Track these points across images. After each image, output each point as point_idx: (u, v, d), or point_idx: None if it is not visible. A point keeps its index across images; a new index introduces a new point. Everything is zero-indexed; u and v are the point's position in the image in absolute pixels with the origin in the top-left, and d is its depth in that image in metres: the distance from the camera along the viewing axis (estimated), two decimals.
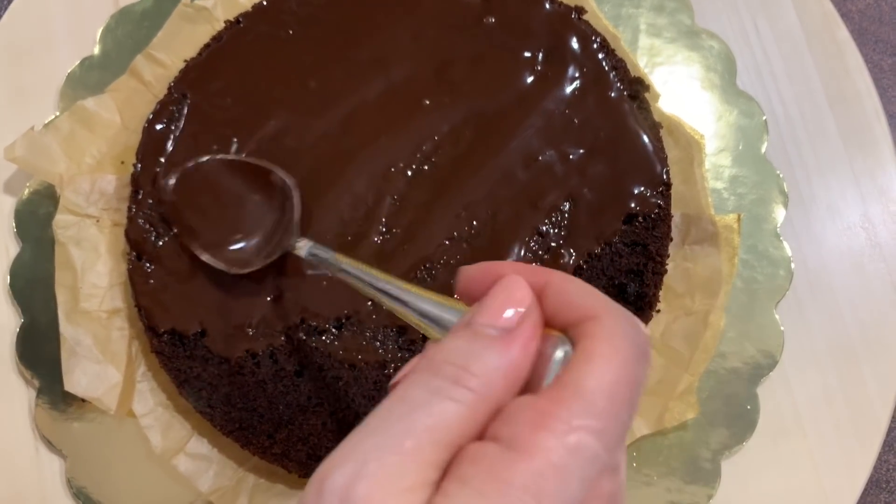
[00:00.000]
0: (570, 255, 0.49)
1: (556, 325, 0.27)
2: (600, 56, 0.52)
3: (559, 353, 0.26)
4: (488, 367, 0.24)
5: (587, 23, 0.53)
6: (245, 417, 0.48)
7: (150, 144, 0.52)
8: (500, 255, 0.49)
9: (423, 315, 0.31)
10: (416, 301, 0.31)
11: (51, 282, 0.52)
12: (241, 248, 0.48)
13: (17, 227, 0.55)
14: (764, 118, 0.55)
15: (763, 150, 0.54)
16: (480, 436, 0.24)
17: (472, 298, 0.28)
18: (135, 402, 0.51)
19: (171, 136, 0.52)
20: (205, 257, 0.49)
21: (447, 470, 0.23)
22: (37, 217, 0.55)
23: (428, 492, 0.23)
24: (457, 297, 0.30)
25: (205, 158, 0.50)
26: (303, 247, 0.45)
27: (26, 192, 0.55)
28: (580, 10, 0.53)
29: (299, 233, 0.47)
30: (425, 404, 0.24)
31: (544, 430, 0.23)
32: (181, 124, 0.52)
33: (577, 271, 0.49)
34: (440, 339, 0.28)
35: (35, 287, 0.53)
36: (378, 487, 0.22)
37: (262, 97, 0.52)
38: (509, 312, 0.26)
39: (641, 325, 0.26)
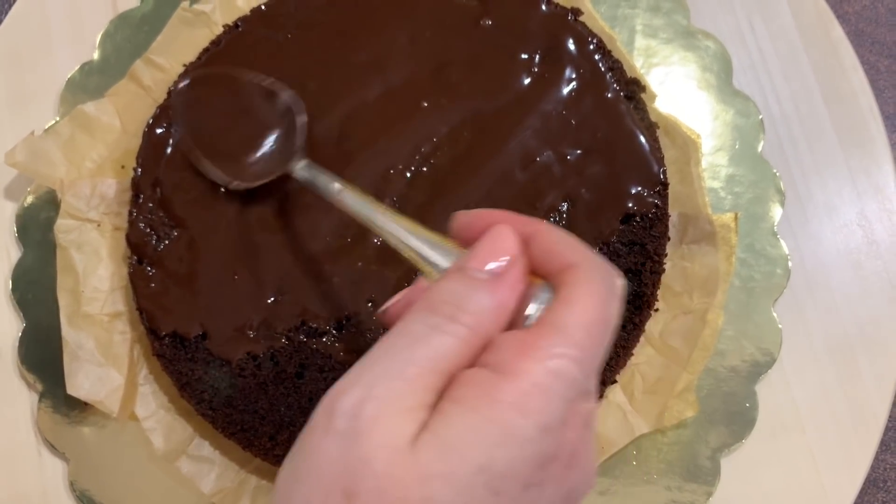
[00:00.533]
0: None
1: (541, 272, 0.29)
2: (597, 57, 0.52)
3: (542, 296, 0.28)
4: (479, 306, 0.27)
5: (583, 24, 0.53)
6: (247, 419, 0.48)
7: (150, 149, 0.52)
8: None
9: (418, 250, 0.33)
10: (412, 237, 0.33)
11: (52, 286, 0.52)
12: (241, 160, 0.49)
13: (18, 232, 0.55)
14: (760, 117, 0.55)
15: (759, 149, 0.55)
16: (472, 364, 0.27)
17: (466, 241, 0.31)
18: (137, 405, 0.51)
19: (172, 141, 0.52)
20: (204, 164, 0.50)
21: (443, 393, 0.27)
22: (38, 222, 0.55)
23: (427, 412, 0.26)
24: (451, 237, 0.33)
25: (219, 70, 0.52)
26: (301, 167, 0.46)
27: (27, 197, 0.55)
28: (576, 12, 0.53)
29: (302, 156, 0.47)
30: (425, 337, 0.27)
31: (528, 357, 0.26)
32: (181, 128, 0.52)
33: None
34: (432, 274, 0.32)
35: (37, 291, 0.54)
36: (384, 408, 0.26)
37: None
38: (497, 259, 0.29)
39: (617, 271, 0.30)
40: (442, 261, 0.32)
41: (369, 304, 0.49)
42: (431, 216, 0.50)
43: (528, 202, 0.50)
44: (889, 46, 0.58)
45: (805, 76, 0.56)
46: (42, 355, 0.53)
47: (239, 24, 0.55)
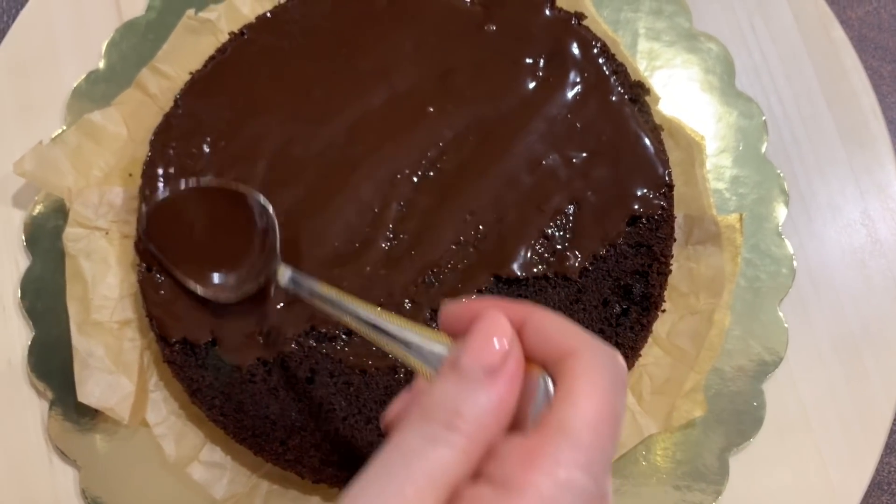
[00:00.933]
0: (576, 258, 0.50)
1: (537, 360, 0.28)
2: (600, 61, 0.52)
3: (542, 388, 0.27)
4: (477, 409, 0.25)
5: (587, 28, 0.53)
6: (258, 425, 0.49)
7: (157, 157, 0.52)
8: (507, 258, 0.49)
9: (408, 346, 0.31)
10: (401, 333, 0.32)
11: (62, 294, 0.52)
12: (224, 279, 0.49)
13: (26, 241, 0.55)
14: (763, 118, 0.55)
15: (763, 150, 0.55)
16: (476, 473, 0.25)
17: (456, 333, 0.29)
18: (148, 412, 0.51)
19: (176, 149, 0.53)
20: (190, 286, 0.49)
21: None
22: (46, 230, 0.55)
23: None
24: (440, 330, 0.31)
25: (181, 186, 0.51)
26: (284, 275, 0.45)
27: (35, 206, 0.56)
28: (580, 16, 0.54)
29: (280, 259, 0.47)
30: (421, 451, 0.25)
31: (534, 469, 0.24)
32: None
33: (582, 273, 0.49)
34: (426, 373, 0.30)
35: (46, 300, 0.54)
36: None
37: (267, 108, 0.53)
38: (492, 351, 0.27)
39: (618, 355, 0.28)
40: (435, 357, 0.30)
41: (378, 309, 0.49)
42: (439, 220, 0.50)
43: (534, 205, 0.50)
44: (892, 52, 0.59)
45: (807, 77, 0.57)
46: (52, 364, 0.53)
47: (244, 31, 0.55)
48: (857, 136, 0.56)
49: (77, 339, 0.51)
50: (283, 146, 0.52)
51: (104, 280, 0.53)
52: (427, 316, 0.49)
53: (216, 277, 0.49)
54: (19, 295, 0.54)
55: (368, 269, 0.50)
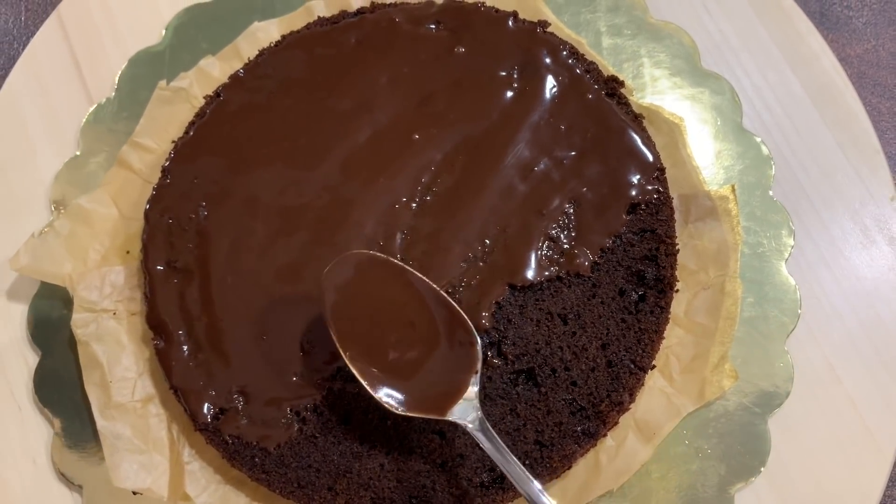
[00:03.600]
0: (585, 254, 0.50)
1: None
2: (571, 62, 0.54)
3: None
4: None
5: (552, 34, 0.55)
6: (302, 475, 0.48)
7: (154, 230, 0.52)
8: (518, 266, 0.50)
9: None
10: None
11: (77, 382, 0.51)
12: (408, 383, 0.46)
13: (32, 336, 0.54)
14: (734, 92, 0.57)
15: (741, 121, 0.57)
16: None
17: None
18: (186, 485, 0.50)
19: (174, 217, 0.53)
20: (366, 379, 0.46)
21: None
22: (51, 321, 0.54)
23: None
24: None
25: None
26: (475, 425, 0.45)
27: (36, 299, 0.55)
28: (544, 24, 0.55)
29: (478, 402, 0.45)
30: None
31: None
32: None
33: (594, 268, 0.50)
34: None
35: (63, 391, 0.53)
36: None
37: (256, 162, 0.53)
38: None
39: None
40: None
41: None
42: (444, 242, 0.51)
43: (534, 210, 0.51)
44: (890, 89, 0.62)
45: (765, 45, 0.59)
46: (77, 457, 0.52)
47: (219, 92, 0.56)
48: (824, 94, 0.58)
49: (102, 425, 0.50)
50: (279, 196, 0.52)
51: (120, 361, 0.52)
52: None
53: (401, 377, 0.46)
54: (33, 390, 0.53)
55: None
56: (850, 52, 0.62)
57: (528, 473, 0.43)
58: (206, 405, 0.49)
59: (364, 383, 0.45)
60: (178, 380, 0.50)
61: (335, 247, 0.51)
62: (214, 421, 0.49)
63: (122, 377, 0.52)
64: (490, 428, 0.44)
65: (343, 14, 0.58)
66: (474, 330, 0.46)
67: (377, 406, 0.48)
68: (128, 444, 0.50)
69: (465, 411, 0.44)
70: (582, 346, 0.49)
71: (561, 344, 0.49)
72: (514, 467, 0.43)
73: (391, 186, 0.52)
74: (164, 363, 0.50)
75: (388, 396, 0.45)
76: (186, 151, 0.54)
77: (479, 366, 0.45)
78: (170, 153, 0.54)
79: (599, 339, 0.49)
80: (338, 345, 0.45)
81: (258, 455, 0.48)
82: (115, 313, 0.53)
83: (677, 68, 0.58)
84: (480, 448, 0.46)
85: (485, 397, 0.48)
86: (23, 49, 0.61)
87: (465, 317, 0.46)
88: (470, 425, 0.44)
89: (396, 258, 0.50)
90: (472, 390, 0.45)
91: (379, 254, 0.47)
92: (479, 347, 0.45)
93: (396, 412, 0.45)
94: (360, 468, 0.48)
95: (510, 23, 0.55)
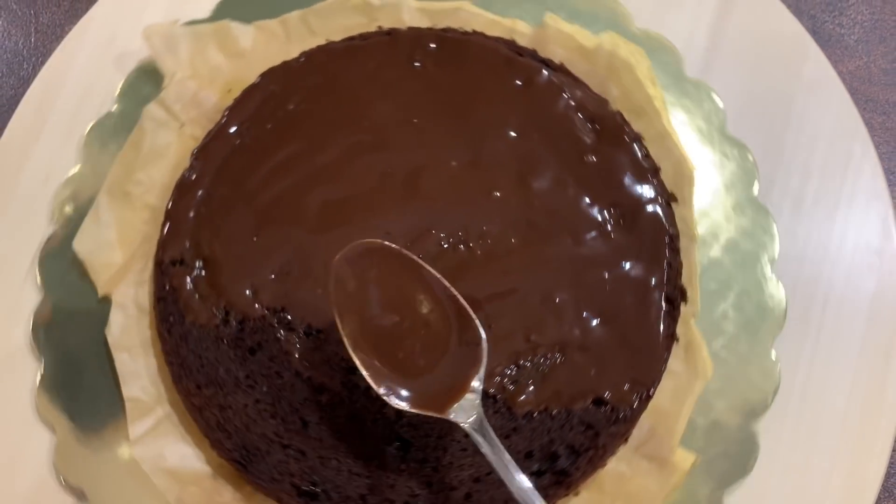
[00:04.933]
0: (529, 399, 0.49)
1: None
2: (667, 253, 0.52)
3: None
4: None
5: (672, 215, 0.53)
6: (184, 358, 0.51)
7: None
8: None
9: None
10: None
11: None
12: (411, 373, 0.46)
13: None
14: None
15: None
16: None
17: None
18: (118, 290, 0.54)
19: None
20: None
21: None
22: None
23: None
24: None
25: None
26: (474, 424, 0.45)
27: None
28: (672, 198, 0.54)
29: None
30: None
31: None
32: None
33: (526, 416, 0.49)
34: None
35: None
36: None
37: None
38: None
39: None
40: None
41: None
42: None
43: (524, 332, 0.50)
44: (882, 104, 0.62)
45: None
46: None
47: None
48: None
49: (102, 198, 0.55)
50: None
51: (155, 165, 0.56)
52: None
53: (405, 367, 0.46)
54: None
55: None
56: (842, 69, 0.64)
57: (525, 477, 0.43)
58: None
59: (367, 375, 0.46)
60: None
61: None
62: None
63: (148, 176, 0.56)
64: (489, 429, 0.44)
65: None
66: (481, 329, 0.46)
67: (283, 361, 0.50)
68: (106, 229, 0.55)
69: (466, 411, 0.45)
70: None
71: None
72: (511, 472, 0.43)
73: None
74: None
75: (389, 391, 0.45)
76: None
77: (483, 365, 0.45)
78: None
79: None
80: (344, 337, 0.46)
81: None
82: (182, 125, 0.57)
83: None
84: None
85: None
86: (32, 70, 0.64)
87: (474, 315, 0.46)
88: (467, 425, 0.45)
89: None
90: (475, 388, 0.45)
91: (392, 244, 0.47)
92: (484, 346, 0.46)
93: (397, 406, 0.45)
94: (225, 393, 0.51)
95: (651, 183, 0.53)
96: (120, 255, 0.55)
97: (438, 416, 0.45)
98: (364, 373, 0.45)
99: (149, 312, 0.54)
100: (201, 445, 0.52)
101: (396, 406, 0.45)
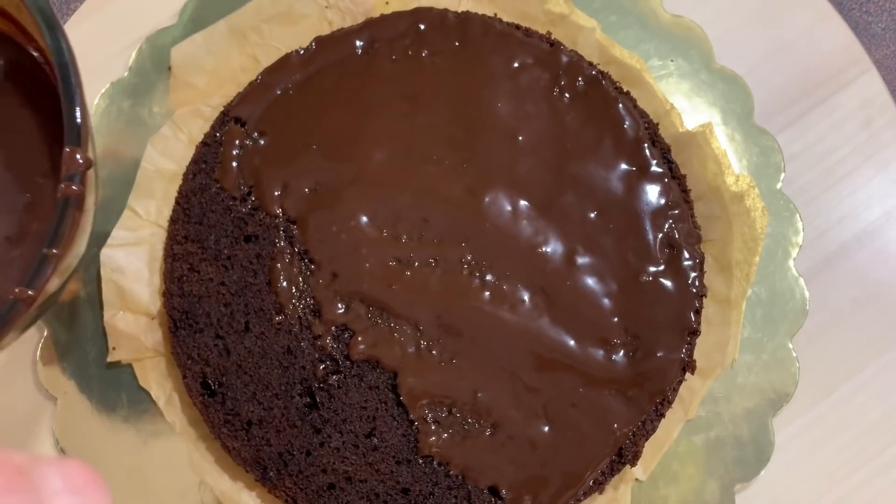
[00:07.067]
0: (437, 445, 0.48)
1: None
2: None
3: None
4: None
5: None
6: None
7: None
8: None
9: None
10: None
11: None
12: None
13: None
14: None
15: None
16: None
17: None
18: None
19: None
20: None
21: None
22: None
23: None
24: None
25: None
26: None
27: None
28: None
29: None
30: None
31: None
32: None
33: (425, 458, 0.49)
34: None
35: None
36: None
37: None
38: None
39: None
40: None
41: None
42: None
43: (485, 390, 0.49)
44: None
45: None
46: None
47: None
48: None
49: (221, 26, 0.54)
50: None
51: (282, 27, 0.55)
52: None
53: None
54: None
55: None
56: (870, 57, 0.61)
57: None
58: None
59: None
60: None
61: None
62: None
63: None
64: None
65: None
66: None
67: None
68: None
69: None
70: None
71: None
72: None
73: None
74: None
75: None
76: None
77: None
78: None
79: None
80: None
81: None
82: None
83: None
84: None
85: None
86: None
87: None
88: None
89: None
90: None
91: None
92: None
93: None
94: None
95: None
96: (203, 82, 0.55)
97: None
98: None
99: (192, 146, 0.55)
100: (158, 288, 0.53)
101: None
